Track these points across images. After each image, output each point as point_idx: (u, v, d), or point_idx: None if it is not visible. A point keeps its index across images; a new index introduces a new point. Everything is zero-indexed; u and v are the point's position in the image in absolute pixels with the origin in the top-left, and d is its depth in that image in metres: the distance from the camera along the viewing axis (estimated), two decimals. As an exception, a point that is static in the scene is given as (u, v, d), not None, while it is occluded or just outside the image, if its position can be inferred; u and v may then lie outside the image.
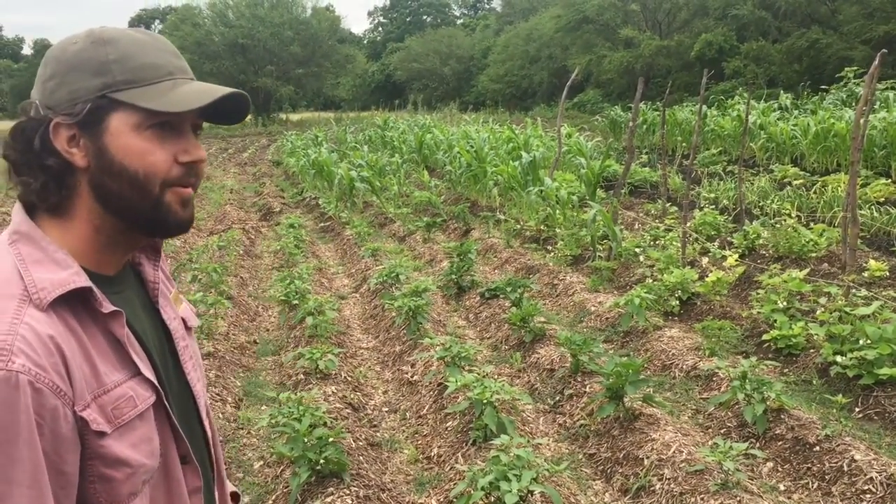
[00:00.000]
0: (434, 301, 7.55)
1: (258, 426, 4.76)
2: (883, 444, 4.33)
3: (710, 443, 4.32)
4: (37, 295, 1.07)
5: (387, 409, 5.44)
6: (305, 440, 3.94)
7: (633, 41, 37.07)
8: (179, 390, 1.31)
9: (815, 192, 10.60)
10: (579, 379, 5.29)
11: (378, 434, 4.96)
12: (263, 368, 6.36)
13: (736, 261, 7.41)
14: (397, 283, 7.64)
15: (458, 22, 75.28)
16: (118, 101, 1.13)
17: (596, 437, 4.67)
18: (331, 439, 3.96)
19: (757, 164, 15.42)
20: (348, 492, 3.81)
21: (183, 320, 1.39)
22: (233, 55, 45.55)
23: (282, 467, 4.36)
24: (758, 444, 4.38)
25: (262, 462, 4.61)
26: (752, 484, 3.91)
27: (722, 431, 4.66)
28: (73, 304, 1.11)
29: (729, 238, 8.72)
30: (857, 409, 4.76)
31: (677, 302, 6.77)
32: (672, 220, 9.62)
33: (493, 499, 3.41)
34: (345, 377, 5.64)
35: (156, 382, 1.19)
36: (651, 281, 7.21)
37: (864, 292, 5.96)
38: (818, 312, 5.72)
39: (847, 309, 5.53)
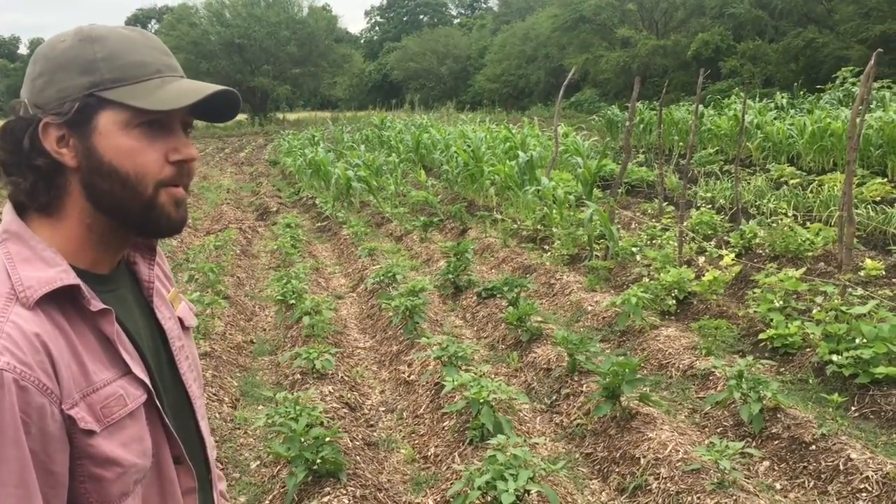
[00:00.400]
0: (431, 301, 7.55)
1: (255, 426, 4.76)
2: (879, 443, 4.34)
3: (706, 442, 4.33)
4: (23, 293, 1.07)
5: (383, 409, 5.44)
6: (302, 440, 3.94)
7: (629, 41, 37.12)
8: (174, 390, 1.30)
9: (811, 192, 10.62)
10: (576, 378, 5.29)
11: (375, 434, 4.96)
12: (260, 368, 6.35)
13: (732, 260, 7.41)
14: (394, 282, 7.64)
15: (455, 21, 75.27)
16: (106, 99, 1.13)
17: (592, 436, 4.67)
18: (327, 439, 3.96)
19: (753, 164, 15.44)
20: (345, 492, 3.81)
21: (180, 320, 1.38)
22: (229, 55, 45.50)
23: (278, 467, 4.36)
24: (754, 443, 4.39)
25: (258, 462, 4.61)
26: (748, 483, 3.91)
27: (718, 430, 4.67)
28: (61, 302, 1.10)
29: (725, 237, 8.73)
30: (853, 408, 4.77)
31: (674, 301, 6.77)
32: (669, 220, 9.63)
33: (489, 498, 3.41)
34: (341, 377, 5.64)
35: (147, 381, 1.19)
36: (648, 280, 7.22)
37: (860, 291, 5.97)
38: (814, 311, 5.73)
39: (843, 308, 5.54)
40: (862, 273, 6.87)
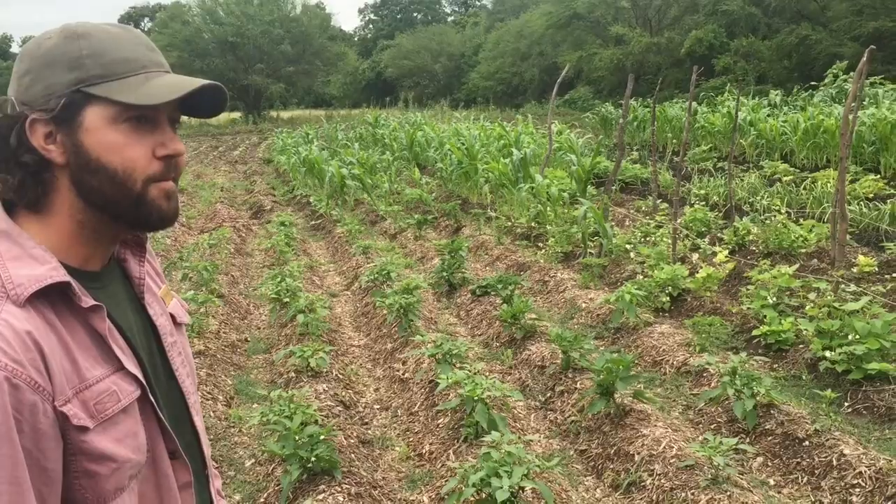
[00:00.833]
0: (425, 298, 7.55)
1: (249, 424, 4.76)
2: (872, 439, 4.35)
3: (700, 438, 4.34)
4: (14, 291, 1.07)
5: (378, 407, 5.44)
6: (297, 438, 3.93)
7: (623, 38, 37.14)
8: (167, 386, 1.30)
9: (804, 189, 10.65)
10: (570, 375, 5.30)
11: (369, 432, 4.96)
12: (254, 367, 6.35)
13: (726, 257, 7.43)
14: (388, 280, 7.64)
15: (449, 19, 75.27)
16: (92, 95, 1.13)
17: (587, 433, 4.68)
18: (322, 437, 3.96)
19: (747, 161, 15.47)
20: (340, 489, 3.81)
21: (172, 317, 1.39)
22: (223, 53, 45.40)
23: (273, 465, 4.36)
24: (748, 440, 4.40)
25: (253, 460, 4.61)
26: (742, 479, 3.92)
27: (712, 427, 4.68)
28: (52, 299, 1.11)
29: (719, 234, 8.75)
30: (846, 404, 4.79)
31: (668, 298, 6.79)
32: (662, 217, 9.65)
33: (484, 495, 3.41)
34: (336, 375, 5.64)
35: (140, 377, 1.19)
36: (641, 277, 7.23)
37: (853, 288, 5.99)
38: (807, 308, 5.74)
39: (836, 304, 5.56)
40: (855, 269, 6.89)
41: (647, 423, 4.43)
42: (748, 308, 6.17)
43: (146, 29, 60.46)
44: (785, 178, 11.30)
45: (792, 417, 4.38)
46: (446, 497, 3.63)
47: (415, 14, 75.97)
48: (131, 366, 1.18)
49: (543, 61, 43.96)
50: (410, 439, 4.86)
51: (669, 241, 8.00)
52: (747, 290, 6.44)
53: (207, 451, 1.41)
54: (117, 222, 1.21)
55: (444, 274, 8.06)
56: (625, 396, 4.72)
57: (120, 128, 1.15)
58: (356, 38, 77.14)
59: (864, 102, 15.28)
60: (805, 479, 3.96)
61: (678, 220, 8.29)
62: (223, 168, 22.75)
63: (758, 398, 4.47)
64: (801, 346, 5.54)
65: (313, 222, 13.05)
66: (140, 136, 1.17)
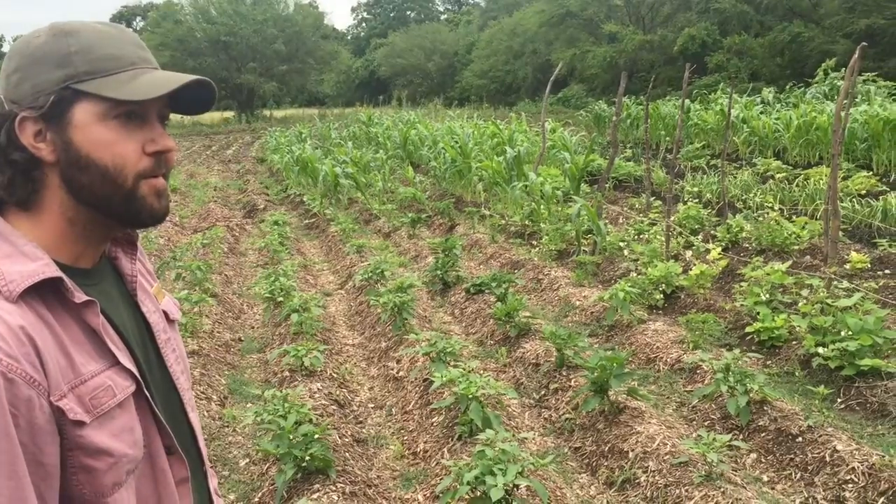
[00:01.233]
0: (419, 297, 7.55)
1: (243, 424, 4.75)
2: (864, 434, 4.37)
3: (694, 435, 4.35)
4: (6, 287, 1.07)
5: (372, 406, 5.44)
6: (291, 437, 3.93)
7: (616, 36, 37.18)
8: (162, 383, 1.30)
9: (797, 186, 10.67)
10: (564, 373, 5.31)
11: (364, 430, 4.96)
12: (248, 366, 6.34)
13: (719, 254, 7.45)
14: (382, 279, 7.63)
15: (442, 17, 75.20)
16: (81, 91, 1.14)
17: (581, 430, 4.69)
18: (316, 436, 3.96)
19: (740, 158, 15.50)
20: (334, 488, 3.81)
21: (165, 314, 1.39)
22: (215, 52, 45.28)
23: (267, 464, 4.35)
24: (741, 436, 4.41)
25: (247, 460, 4.60)
26: (735, 475, 3.94)
27: (706, 423, 4.69)
28: (45, 295, 1.11)
29: (712, 231, 8.77)
30: (838, 400, 4.81)
31: (661, 295, 6.80)
32: (656, 214, 9.66)
33: (478, 493, 3.42)
34: (330, 374, 5.63)
35: (135, 371, 1.19)
36: (635, 275, 7.25)
37: (845, 284, 6.01)
38: (800, 304, 5.76)
39: (829, 301, 5.58)
40: (847, 266, 6.92)
41: (641, 421, 4.44)
42: (741, 305, 6.19)
43: (138, 28, 60.26)
44: (778, 176, 11.34)
45: (785, 414, 4.39)
46: (441, 495, 3.63)
47: (408, 12, 75.92)
48: (126, 361, 1.18)
49: (537, 59, 43.98)
50: (405, 438, 4.86)
51: (663, 239, 8.01)
52: (740, 287, 6.46)
53: (204, 447, 1.41)
54: (108, 219, 1.21)
55: (438, 272, 8.06)
56: (619, 394, 4.72)
57: (109, 124, 1.15)
58: (349, 37, 77.10)
59: (857, 99, 15.32)
60: (798, 475, 3.98)
61: (671, 218, 8.31)
62: (216, 167, 22.71)
63: (751, 395, 4.48)
64: (794, 342, 5.56)
65: (307, 221, 13.04)
66: (130, 133, 1.17)
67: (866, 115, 13.27)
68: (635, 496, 3.90)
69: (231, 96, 47.87)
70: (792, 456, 4.10)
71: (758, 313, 5.85)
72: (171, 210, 1.26)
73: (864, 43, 6.61)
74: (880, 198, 9.21)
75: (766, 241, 7.84)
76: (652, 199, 10.50)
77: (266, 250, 10.05)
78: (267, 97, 51.01)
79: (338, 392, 5.38)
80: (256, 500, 4.07)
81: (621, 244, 8.44)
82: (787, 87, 22.24)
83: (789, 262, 6.68)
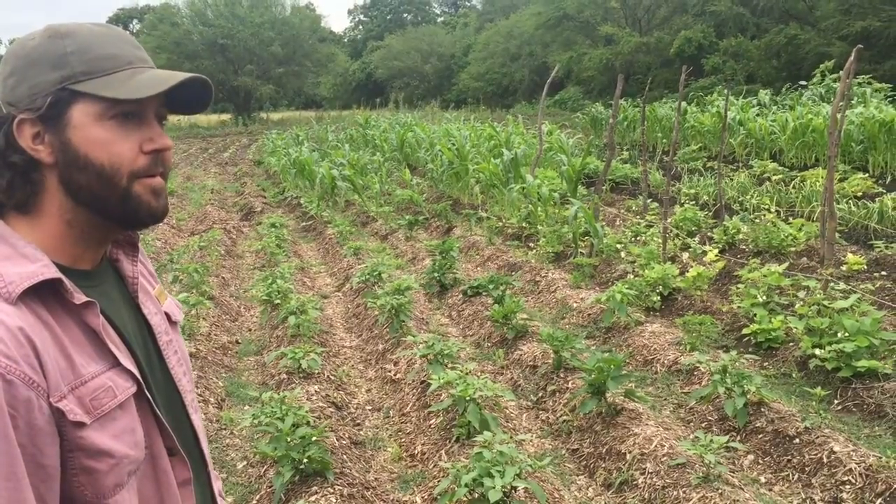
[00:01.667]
0: (416, 299, 7.55)
1: (241, 426, 4.75)
2: (861, 436, 4.38)
3: (691, 436, 4.35)
4: (5, 289, 1.07)
5: (370, 408, 5.44)
6: (288, 439, 3.93)
7: (613, 38, 37.25)
8: (164, 384, 1.30)
9: (793, 187, 10.69)
10: (562, 375, 5.31)
11: (361, 432, 4.96)
12: (246, 368, 6.33)
13: (716, 256, 7.46)
14: (380, 281, 7.63)
15: (439, 20, 75.25)
16: (78, 92, 1.14)
17: (578, 432, 4.69)
18: (314, 438, 3.96)
19: (736, 160, 15.53)
20: (332, 490, 3.80)
21: (167, 315, 1.39)
22: (212, 54, 45.26)
23: (265, 467, 4.35)
24: (738, 438, 4.42)
25: (245, 462, 4.60)
26: (733, 477, 3.94)
27: (703, 425, 4.70)
28: (44, 296, 1.11)
29: (709, 233, 8.78)
30: (835, 402, 4.81)
31: (658, 297, 6.81)
32: (653, 216, 9.67)
33: (476, 495, 3.42)
34: (328, 376, 5.63)
35: (136, 373, 1.19)
36: (632, 277, 7.25)
37: (842, 286, 6.01)
38: (797, 306, 5.77)
39: (825, 302, 5.58)
40: (844, 268, 6.93)
41: (638, 422, 4.44)
42: (738, 307, 6.20)
43: (135, 31, 60.21)
44: (774, 177, 11.35)
45: (782, 415, 4.40)
46: (439, 497, 3.63)
47: (404, 15, 75.95)
48: (127, 362, 1.18)
49: (533, 62, 44.05)
50: (402, 440, 4.86)
51: (660, 241, 8.02)
52: (737, 288, 6.47)
53: (207, 449, 1.41)
54: (107, 220, 1.21)
55: (436, 274, 8.06)
56: (616, 395, 4.73)
57: (107, 124, 1.15)
58: (346, 40, 77.09)
59: (853, 101, 15.36)
60: (796, 477, 3.98)
61: (668, 220, 8.32)
62: (213, 170, 22.70)
63: (748, 396, 4.49)
64: (790, 344, 5.57)
65: (304, 224, 13.03)
66: (127, 132, 1.17)
67: (862, 117, 13.31)
68: (633, 498, 3.90)
69: (228, 99, 47.85)
70: (789, 457, 4.10)
71: (755, 315, 5.86)
72: (168, 212, 1.26)
73: (859, 45, 6.63)
74: (876, 199, 9.23)
75: (762, 242, 7.85)
76: (649, 201, 10.51)
77: (263, 253, 10.04)
78: (264, 100, 50.99)
79: (335, 394, 5.38)
80: (254, 502, 4.06)
81: (618, 246, 8.45)
82: (784, 89, 22.29)
83: (786, 264, 6.69)
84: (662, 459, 3.99)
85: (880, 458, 3.81)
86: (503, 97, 46.53)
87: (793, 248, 7.72)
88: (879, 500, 3.56)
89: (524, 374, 5.63)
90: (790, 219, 8.80)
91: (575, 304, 7.11)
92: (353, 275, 8.41)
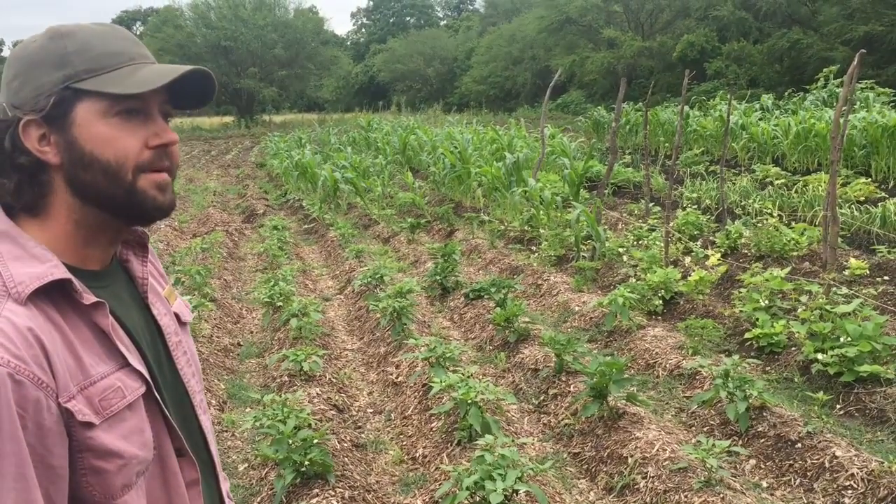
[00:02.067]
0: (418, 302, 7.55)
1: (242, 428, 4.75)
2: (864, 441, 4.37)
3: (693, 441, 4.35)
4: (15, 289, 1.07)
5: (372, 411, 5.44)
6: (290, 442, 3.93)
7: (615, 42, 37.25)
8: (173, 385, 1.30)
9: (796, 192, 10.69)
10: (563, 378, 5.31)
11: (363, 435, 4.96)
12: (247, 371, 6.33)
13: (718, 260, 7.46)
14: (382, 284, 7.63)
15: (442, 23, 75.27)
16: (82, 90, 1.14)
17: (580, 436, 4.69)
18: (315, 441, 3.96)
19: (739, 164, 15.53)
20: (333, 493, 3.80)
21: (177, 316, 1.39)
22: (215, 57, 45.29)
23: (266, 469, 4.35)
24: (740, 442, 4.41)
25: (246, 464, 4.60)
26: (735, 481, 3.94)
27: (705, 429, 4.69)
28: (53, 297, 1.11)
29: (711, 237, 8.78)
30: (838, 406, 4.81)
31: (660, 301, 6.80)
32: (655, 220, 9.67)
33: (478, 498, 3.42)
34: (329, 379, 5.63)
35: (145, 373, 1.19)
36: (634, 280, 7.25)
37: (844, 290, 6.01)
38: (799, 311, 5.76)
39: (828, 307, 5.58)
40: (846, 272, 6.92)
41: (640, 426, 4.44)
42: (740, 311, 6.19)
43: (138, 33, 60.31)
44: (776, 182, 11.36)
45: (784, 420, 4.39)
46: (440, 501, 3.63)
47: (407, 18, 76.02)
48: (136, 362, 1.18)
49: (536, 65, 44.07)
50: (404, 443, 4.86)
51: (662, 245, 8.02)
52: (739, 293, 6.46)
53: (216, 450, 1.41)
54: (116, 217, 1.21)
55: (438, 277, 8.06)
56: (618, 399, 4.72)
57: (111, 121, 1.16)
58: (349, 43, 77.11)
59: (855, 106, 15.35)
60: (798, 481, 3.98)
61: (670, 224, 8.32)
62: (216, 172, 22.72)
63: (750, 400, 4.48)
64: (793, 348, 5.56)
65: (306, 226, 13.04)
66: (133, 129, 1.17)
67: (865, 121, 13.30)
68: (634, 502, 3.89)
69: (231, 101, 47.88)
70: (791, 462, 4.10)
71: (757, 319, 5.85)
72: (176, 206, 1.26)
73: (862, 50, 6.63)
74: (879, 204, 9.23)
75: (765, 247, 7.84)
76: (651, 204, 10.51)
77: (265, 255, 10.05)
78: (266, 102, 51.03)
79: (337, 397, 5.38)
80: (255, 504, 4.06)
81: (620, 250, 8.45)
82: (786, 93, 22.29)
83: (788, 269, 6.68)
84: (664, 464, 3.99)
85: (882, 463, 3.81)
86: (506, 101, 46.55)
87: (795, 253, 7.72)
88: (881, 505, 3.55)
89: (526, 378, 5.62)
90: (792, 223, 8.79)
91: (577, 308, 7.11)
92: (354, 277, 8.41)
